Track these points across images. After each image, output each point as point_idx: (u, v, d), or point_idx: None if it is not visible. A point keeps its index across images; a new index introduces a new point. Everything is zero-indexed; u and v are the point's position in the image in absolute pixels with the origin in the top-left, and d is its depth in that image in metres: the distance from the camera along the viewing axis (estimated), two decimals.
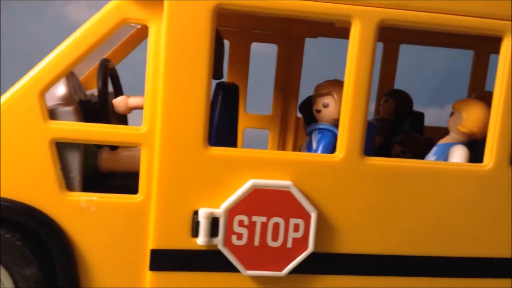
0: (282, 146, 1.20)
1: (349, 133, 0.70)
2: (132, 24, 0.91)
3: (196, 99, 0.67)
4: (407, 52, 1.27)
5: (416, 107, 1.12)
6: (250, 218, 0.69)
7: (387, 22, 0.69)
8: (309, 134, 0.80)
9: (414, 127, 1.11)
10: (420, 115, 1.11)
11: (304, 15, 0.69)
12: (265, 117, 1.22)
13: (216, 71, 0.78)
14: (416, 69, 1.68)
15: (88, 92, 0.91)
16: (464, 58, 1.35)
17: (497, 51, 1.23)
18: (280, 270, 0.71)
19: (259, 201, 0.69)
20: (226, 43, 1.18)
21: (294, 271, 0.71)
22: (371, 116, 1.19)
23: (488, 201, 0.74)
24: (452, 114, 0.81)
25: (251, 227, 0.69)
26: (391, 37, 1.20)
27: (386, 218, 0.73)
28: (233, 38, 1.17)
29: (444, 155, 0.80)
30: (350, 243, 0.73)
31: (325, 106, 0.78)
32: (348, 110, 0.70)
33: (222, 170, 0.69)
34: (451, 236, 0.75)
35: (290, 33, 1.16)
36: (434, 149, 0.82)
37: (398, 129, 1.11)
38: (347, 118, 0.70)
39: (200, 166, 0.68)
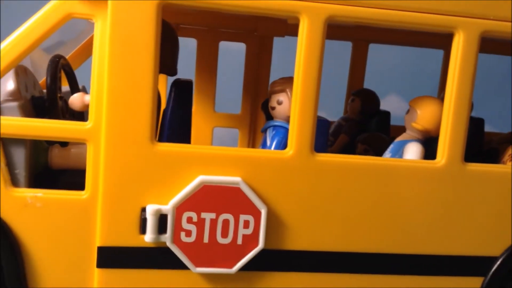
0: (252, 145, 1.20)
1: (298, 130, 0.70)
2: None
3: (141, 95, 0.66)
4: (407, 53, 1.27)
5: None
6: (199, 215, 0.69)
7: (335, 18, 0.69)
8: (265, 131, 0.80)
9: (380, 126, 1.11)
10: (387, 114, 1.11)
11: (252, 12, 0.69)
12: (235, 116, 1.21)
13: (169, 67, 0.78)
14: (416, 70, 1.68)
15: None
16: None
17: None
18: (230, 267, 0.71)
19: (208, 197, 0.69)
20: (194, 41, 1.18)
21: (245, 268, 0.71)
22: (340, 115, 1.19)
23: (441, 198, 0.74)
24: (408, 111, 0.81)
25: (200, 224, 0.69)
26: (359, 36, 1.20)
27: (337, 215, 0.72)
28: (201, 36, 1.16)
29: (399, 152, 0.80)
30: (301, 239, 0.72)
31: (279, 103, 0.78)
32: (298, 107, 0.69)
33: (170, 166, 0.68)
34: (404, 233, 0.74)
35: (258, 32, 1.16)
36: (391, 146, 0.82)
37: (364, 129, 1.11)
38: (296, 115, 0.70)
39: (147, 162, 0.68)
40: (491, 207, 0.75)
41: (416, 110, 0.79)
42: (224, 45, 1.19)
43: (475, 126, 1.10)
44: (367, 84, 1.21)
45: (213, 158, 0.69)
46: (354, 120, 1.13)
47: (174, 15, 1.11)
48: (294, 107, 0.70)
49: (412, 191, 0.73)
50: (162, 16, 1.07)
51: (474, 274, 0.77)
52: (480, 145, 1.09)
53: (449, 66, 0.72)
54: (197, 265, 0.70)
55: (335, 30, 1.12)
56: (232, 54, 1.25)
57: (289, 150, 0.71)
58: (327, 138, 0.78)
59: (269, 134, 0.79)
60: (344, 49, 1.23)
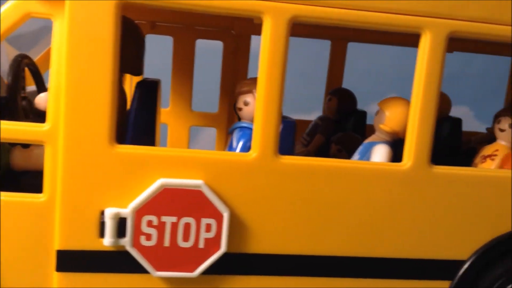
0: None
1: (262, 132, 0.69)
2: None
3: (100, 96, 0.65)
4: (406, 54, 1.26)
5: None
6: (159, 218, 0.68)
7: (299, 18, 0.67)
8: (231, 132, 0.79)
9: (357, 126, 1.10)
10: (363, 114, 1.10)
11: (215, 11, 0.67)
12: (212, 115, 1.20)
13: (134, 67, 0.77)
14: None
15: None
16: (462, 60, 1.35)
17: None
18: (192, 271, 0.69)
19: (169, 201, 0.67)
20: (170, 39, 1.16)
21: (207, 272, 0.70)
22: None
23: (407, 201, 0.73)
24: (377, 112, 0.80)
25: (160, 227, 0.68)
26: (338, 35, 1.18)
27: (301, 218, 0.71)
28: (177, 34, 1.15)
29: (367, 154, 0.79)
30: (264, 243, 0.71)
31: (246, 104, 0.77)
32: (261, 109, 0.68)
33: (130, 169, 0.67)
34: (370, 236, 0.73)
35: (235, 30, 1.15)
36: (360, 148, 0.81)
37: (341, 128, 1.10)
38: (260, 117, 0.68)
39: (106, 164, 0.66)
40: (458, 210, 0.74)
41: (385, 111, 0.78)
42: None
43: (452, 126, 1.09)
44: (367, 85, 1.21)
45: (174, 160, 0.68)
46: (330, 119, 1.12)
47: (150, 13, 1.09)
48: (258, 108, 0.68)
49: (378, 194, 0.72)
50: (130, 15, 1.07)
51: (441, 277, 0.76)
52: (458, 145, 1.08)
53: (416, 67, 0.71)
54: (158, 269, 0.69)
55: (313, 29, 1.12)
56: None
57: (253, 153, 0.69)
58: (293, 139, 0.77)
59: (235, 135, 0.78)
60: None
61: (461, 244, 0.75)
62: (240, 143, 0.76)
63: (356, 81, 1.26)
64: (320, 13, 0.67)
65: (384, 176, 0.72)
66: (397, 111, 0.77)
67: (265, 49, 0.67)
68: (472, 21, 0.70)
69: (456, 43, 1.19)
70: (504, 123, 0.82)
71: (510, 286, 0.76)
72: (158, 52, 1.20)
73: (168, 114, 1.17)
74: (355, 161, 0.74)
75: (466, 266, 0.75)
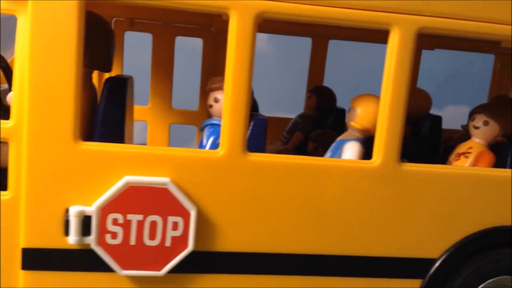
0: None
1: (230, 129, 0.68)
2: None
3: (64, 93, 0.64)
4: None
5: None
6: (125, 217, 0.67)
7: (266, 14, 0.67)
8: (202, 129, 0.78)
9: (336, 124, 1.10)
10: (342, 112, 1.10)
11: (182, 7, 0.67)
12: (192, 112, 1.20)
13: (103, 63, 0.76)
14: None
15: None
16: (462, 59, 1.34)
17: (426, 46, 1.23)
18: (159, 269, 0.69)
19: (134, 198, 0.67)
20: (149, 36, 1.16)
21: (174, 270, 0.69)
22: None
23: (377, 199, 0.72)
24: (349, 109, 0.80)
25: (126, 225, 0.67)
26: (318, 33, 1.18)
27: (270, 216, 0.71)
28: (156, 31, 1.14)
29: (338, 151, 0.78)
30: (232, 241, 0.70)
31: (216, 101, 0.76)
32: (229, 106, 0.68)
33: (95, 166, 0.66)
34: (340, 234, 0.73)
35: (214, 27, 1.14)
36: (332, 145, 0.81)
37: (321, 126, 1.10)
38: (228, 114, 0.68)
39: (71, 161, 0.66)
40: (429, 208, 0.73)
41: (356, 108, 0.78)
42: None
43: (432, 123, 1.09)
44: (368, 85, 1.20)
45: (140, 157, 0.67)
46: (310, 117, 1.12)
47: (129, 10, 1.09)
48: (225, 105, 0.68)
49: (347, 192, 0.72)
50: (107, 11, 1.06)
51: (412, 276, 0.75)
52: (437, 143, 1.07)
53: (385, 64, 0.70)
54: (124, 267, 0.68)
55: (294, 26, 1.11)
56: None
57: (221, 150, 0.69)
58: (264, 137, 0.76)
59: (206, 132, 0.77)
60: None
61: (432, 243, 0.75)
62: (210, 140, 0.75)
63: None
64: (287, 9, 0.67)
65: (353, 173, 0.72)
66: (368, 109, 0.76)
67: (232, 45, 0.67)
68: (442, 17, 0.69)
69: (439, 40, 1.19)
70: (478, 121, 0.82)
71: (481, 285, 0.76)
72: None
73: (147, 112, 1.16)
74: (324, 159, 0.74)
75: (437, 264, 0.75)
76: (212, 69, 1.17)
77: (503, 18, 0.71)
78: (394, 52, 0.69)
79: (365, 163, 0.72)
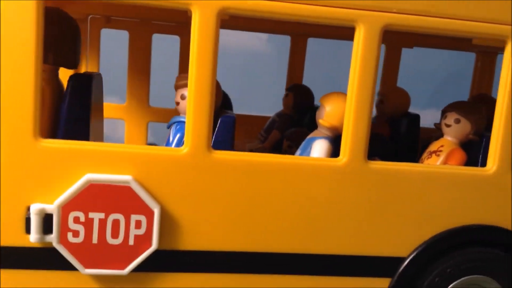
0: None
1: (194, 127, 0.67)
2: None
3: (23, 90, 0.63)
4: (406, 55, 1.26)
5: (414, 109, 1.10)
6: (86, 215, 0.66)
7: (228, 11, 0.66)
8: (170, 127, 0.77)
9: (313, 122, 1.09)
10: None
11: (143, 3, 0.66)
12: (170, 110, 1.19)
13: (68, 60, 0.76)
14: (415, 71, 1.67)
15: None
16: (462, 59, 1.34)
17: (406, 44, 1.22)
18: (122, 268, 0.68)
19: (96, 196, 0.66)
20: (126, 34, 1.15)
21: (138, 269, 0.68)
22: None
23: (345, 197, 0.72)
24: (319, 107, 0.79)
25: (88, 224, 0.66)
26: (297, 31, 1.17)
27: (235, 214, 0.70)
28: (133, 29, 1.14)
29: (307, 150, 0.77)
30: (197, 239, 0.70)
31: (183, 98, 0.75)
32: (192, 103, 0.67)
33: (56, 163, 0.66)
34: (307, 232, 0.72)
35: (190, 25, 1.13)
36: (303, 143, 0.80)
37: (298, 124, 1.09)
38: (191, 111, 0.67)
39: (31, 159, 0.65)
40: (397, 206, 0.73)
41: (325, 106, 0.77)
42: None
43: (410, 122, 1.08)
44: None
45: (102, 155, 0.66)
46: (287, 115, 1.11)
47: (105, 7, 1.08)
48: (189, 103, 0.67)
49: (314, 190, 0.71)
50: (83, 9, 1.05)
51: (381, 275, 0.75)
52: (415, 142, 1.07)
53: (351, 61, 0.69)
54: (87, 266, 0.67)
55: (272, 23, 1.10)
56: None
57: (184, 148, 0.68)
58: (232, 134, 0.75)
59: (172, 130, 0.76)
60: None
61: (401, 241, 0.74)
62: (176, 138, 0.75)
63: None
64: (251, 6, 0.66)
65: (320, 171, 0.71)
66: (336, 106, 0.75)
67: (194, 42, 0.66)
68: (407, 13, 0.68)
69: (418, 38, 1.18)
70: (450, 119, 0.81)
71: (451, 285, 0.75)
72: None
73: (124, 110, 1.16)
74: (290, 157, 0.73)
75: (405, 263, 0.74)
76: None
77: (471, 15, 0.70)
78: (360, 49, 0.68)
79: (332, 161, 0.71)
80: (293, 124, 1.09)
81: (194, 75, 0.66)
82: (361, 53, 0.69)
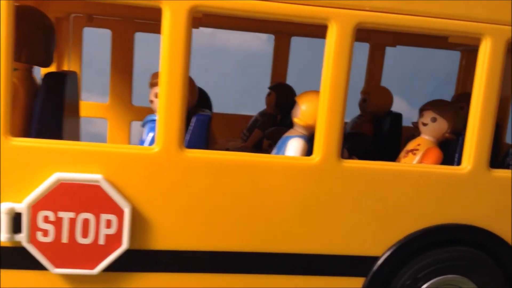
0: None
1: (165, 125, 0.67)
2: None
3: None
4: (405, 54, 1.25)
5: (413, 108, 1.09)
6: (56, 214, 0.66)
7: (199, 8, 0.65)
8: (144, 125, 0.77)
9: None
10: None
11: (118, 2, 0.67)
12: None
13: (42, 58, 0.75)
14: (414, 70, 1.67)
15: None
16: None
17: (389, 43, 1.22)
18: (92, 268, 0.68)
19: (65, 196, 0.65)
20: (108, 32, 1.14)
21: (109, 269, 0.68)
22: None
23: (318, 196, 0.71)
24: (294, 106, 0.79)
25: (57, 223, 0.66)
26: (281, 29, 1.17)
27: (207, 213, 0.69)
28: (116, 27, 1.13)
29: (283, 148, 0.77)
30: (168, 239, 0.69)
31: (157, 96, 0.75)
32: (163, 101, 0.66)
33: (26, 162, 0.65)
34: (281, 231, 0.71)
35: None
36: (279, 142, 0.80)
37: (281, 123, 1.09)
38: (163, 110, 0.67)
39: (1, 158, 0.64)
40: (371, 205, 0.72)
41: (300, 105, 0.77)
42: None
43: (393, 121, 1.08)
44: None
45: (72, 154, 0.66)
46: (270, 114, 1.11)
47: (87, 5, 1.07)
48: (160, 101, 0.67)
49: (287, 189, 0.71)
50: (65, 7, 1.05)
51: (355, 274, 0.74)
52: (397, 140, 1.06)
53: (324, 59, 0.69)
54: (57, 265, 0.67)
55: (256, 23, 1.10)
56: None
57: (156, 146, 0.68)
58: (206, 133, 0.75)
59: (146, 128, 0.76)
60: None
61: (375, 240, 0.74)
62: (150, 136, 0.74)
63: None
64: (222, 4, 0.66)
65: (293, 170, 0.70)
66: (312, 105, 0.75)
67: (166, 40, 0.66)
68: (380, 11, 0.68)
69: (401, 37, 1.18)
70: (427, 117, 0.81)
71: (426, 285, 0.75)
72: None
73: (107, 109, 1.15)
74: (263, 155, 0.72)
75: (379, 262, 0.74)
76: None
77: (446, 13, 0.70)
78: (332, 48, 0.68)
79: (305, 160, 0.71)
80: (275, 123, 1.08)
81: (165, 74, 0.66)
82: (334, 51, 0.68)
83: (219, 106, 1.23)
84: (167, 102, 0.66)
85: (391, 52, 1.30)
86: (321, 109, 0.70)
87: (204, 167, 0.69)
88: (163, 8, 0.65)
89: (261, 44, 1.56)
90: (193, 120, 0.74)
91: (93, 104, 1.15)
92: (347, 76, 0.69)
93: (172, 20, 0.65)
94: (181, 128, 0.68)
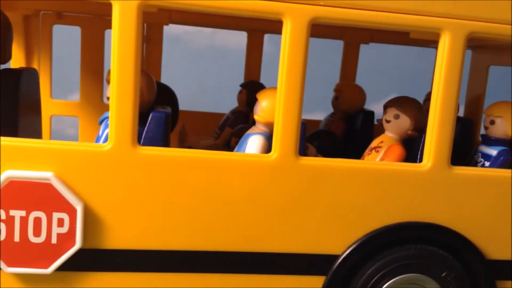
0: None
1: (117, 122, 0.66)
2: None
3: None
4: (404, 54, 1.24)
5: None
6: (7, 212, 0.65)
7: (150, 3, 0.65)
8: (101, 122, 0.76)
9: None
10: None
11: None
12: (73, 104, 1.16)
13: None
14: (412, 69, 1.66)
15: None
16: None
17: (363, 40, 1.21)
18: (46, 267, 0.66)
19: (16, 194, 0.64)
20: (78, 29, 1.13)
21: (62, 268, 0.67)
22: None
23: (277, 194, 0.70)
24: (256, 103, 0.78)
25: (9, 221, 0.65)
26: (254, 27, 1.16)
27: (162, 211, 0.68)
28: (85, 24, 1.12)
29: (243, 146, 0.76)
30: (123, 238, 0.68)
31: None
32: (115, 97, 0.66)
33: None
34: (239, 229, 0.70)
35: (145, 20, 1.12)
36: (241, 139, 0.79)
37: (252, 122, 1.08)
38: (114, 106, 0.66)
39: None
40: (330, 203, 0.71)
41: (260, 102, 0.76)
42: None
43: (365, 118, 1.07)
44: (370, 85, 1.18)
45: (23, 151, 0.65)
46: (241, 112, 1.10)
47: (56, 2, 1.06)
48: (112, 98, 0.66)
49: (245, 186, 0.69)
50: (34, 4, 1.03)
51: (315, 273, 0.73)
52: (370, 138, 1.05)
53: (280, 55, 0.68)
54: (9, 264, 0.66)
55: (227, 19, 1.09)
56: None
57: (108, 144, 0.67)
58: (164, 130, 0.74)
59: (103, 125, 0.75)
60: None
61: (335, 239, 0.73)
62: (105, 133, 0.73)
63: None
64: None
65: (251, 168, 0.69)
66: (271, 102, 0.74)
67: (115, 36, 0.65)
68: (336, 6, 0.67)
69: (375, 34, 1.17)
70: (390, 114, 0.80)
71: (388, 283, 0.74)
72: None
73: (78, 107, 1.14)
74: (220, 152, 0.71)
75: (339, 261, 0.73)
76: (145, 61, 1.15)
77: (404, 8, 0.69)
78: (287, 43, 0.67)
79: (263, 157, 0.70)
80: (247, 121, 1.07)
81: (115, 69, 0.65)
82: (289, 47, 0.67)
83: (220, 105, 1.22)
84: (118, 99, 0.65)
85: (393, 51, 1.28)
86: (278, 106, 0.69)
87: (158, 164, 0.68)
88: (113, 5, 0.64)
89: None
90: (149, 117, 0.73)
91: (63, 103, 1.14)
92: (303, 72, 0.68)
93: (121, 15, 0.64)
94: (134, 125, 0.67)
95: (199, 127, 1.18)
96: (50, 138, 1.13)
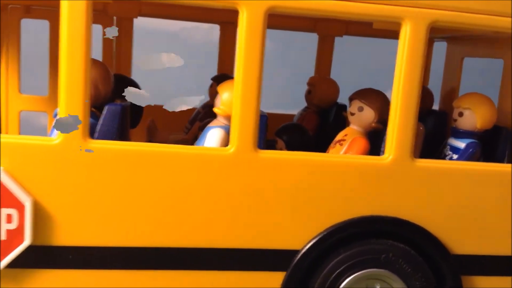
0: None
1: (64, 114, 0.64)
2: None
3: None
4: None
5: None
6: None
7: None
8: (55, 116, 0.74)
9: None
10: None
11: None
12: (42, 98, 1.15)
13: None
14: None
15: None
16: None
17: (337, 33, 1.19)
18: None
19: None
20: (46, 23, 1.11)
21: (12, 265, 0.65)
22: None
23: (235, 188, 0.68)
24: (216, 96, 0.76)
25: None
26: (226, 19, 1.14)
27: (115, 206, 0.66)
28: (54, 18, 1.09)
29: (203, 139, 0.74)
30: (73, 234, 0.66)
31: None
32: (64, 89, 0.64)
33: None
34: (195, 225, 0.69)
35: (115, 14, 1.10)
36: (202, 133, 0.77)
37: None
38: (64, 98, 0.64)
39: None
40: (289, 197, 0.70)
41: (220, 94, 0.74)
42: None
43: (338, 112, 1.05)
44: (369, 82, 1.16)
45: None
46: (212, 106, 1.08)
47: None
48: (61, 89, 0.64)
49: (202, 180, 0.68)
50: None
51: (275, 268, 0.72)
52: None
53: (237, 47, 0.67)
54: None
55: (199, 11, 1.07)
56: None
57: (58, 137, 0.65)
58: (118, 124, 0.72)
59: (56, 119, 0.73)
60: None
61: (294, 233, 0.71)
62: None
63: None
64: None
65: (208, 161, 0.68)
66: (230, 94, 0.72)
67: (64, 30, 0.64)
68: None
69: (349, 27, 1.15)
70: (354, 107, 0.78)
71: (349, 278, 0.72)
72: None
73: (46, 102, 1.12)
74: (175, 146, 0.69)
75: (299, 256, 0.71)
76: (115, 56, 1.13)
77: None
78: (244, 34, 0.65)
79: (221, 150, 0.68)
80: (216, 115, 1.05)
81: (65, 64, 0.64)
82: (245, 38, 0.66)
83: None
84: (67, 90, 0.64)
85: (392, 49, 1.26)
86: (236, 98, 0.67)
87: (110, 158, 0.66)
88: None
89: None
90: (104, 110, 0.71)
91: (31, 97, 1.12)
92: (260, 64, 0.66)
93: (70, 11, 0.63)
94: (86, 118, 0.65)
95: (169, 122, 1.16)
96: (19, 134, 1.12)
